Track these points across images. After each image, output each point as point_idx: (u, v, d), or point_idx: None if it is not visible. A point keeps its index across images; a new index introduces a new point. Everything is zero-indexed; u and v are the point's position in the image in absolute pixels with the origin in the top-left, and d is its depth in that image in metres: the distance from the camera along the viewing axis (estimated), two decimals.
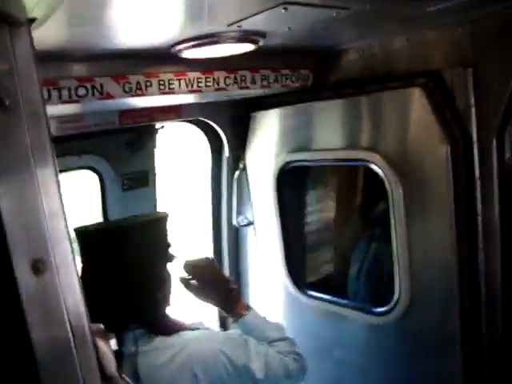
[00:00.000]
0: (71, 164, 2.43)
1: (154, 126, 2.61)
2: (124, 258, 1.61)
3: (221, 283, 1.88)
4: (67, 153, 2.34)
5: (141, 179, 2.66)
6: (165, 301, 1.71)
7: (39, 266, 0.82)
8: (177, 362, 1.56)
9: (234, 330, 1.82)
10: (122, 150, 2.56)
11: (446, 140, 1.88)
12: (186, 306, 1.77)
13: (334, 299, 2.38)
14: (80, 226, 1.72)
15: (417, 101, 1.94)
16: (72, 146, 2.34)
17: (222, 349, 1.59)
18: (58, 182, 0.84)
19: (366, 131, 2.16)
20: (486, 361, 1.96)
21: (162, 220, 1.76)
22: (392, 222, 2.05)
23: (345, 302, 2.35)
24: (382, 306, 2.17)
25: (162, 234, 1.74)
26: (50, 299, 0.83)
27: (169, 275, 1.73)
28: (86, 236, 1.69)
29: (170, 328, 1.66)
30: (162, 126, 2.63)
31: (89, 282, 1.46)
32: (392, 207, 2.04)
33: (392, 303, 2.13)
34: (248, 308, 1.85)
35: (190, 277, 1.86)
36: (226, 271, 2.97)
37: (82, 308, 0.87)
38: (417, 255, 2.02)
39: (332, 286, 2.46)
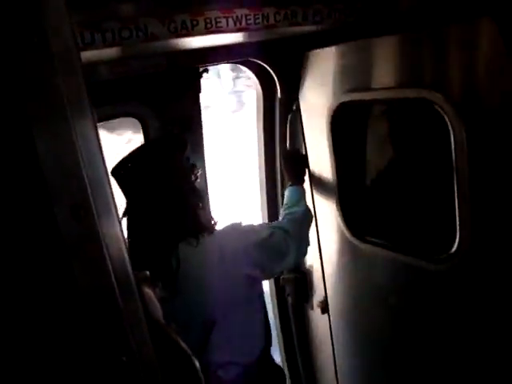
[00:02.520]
0: (114, 112, 2.42)
1: (197, 69, 2.55)
2: (151, 182, 1.93)
3: (302, 166, 2.62)
4: (109, 101, 2.32)
5: (185, 124, 2.63)
6: (199, 209, 2.03)
7: (80, 213, 0.80)
8: (207, 243, 1.95)
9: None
10: (165, 95, 2.52)
11: None
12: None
13: (392, 245, 2.31)
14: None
15: (486, 32, 1.76)
16: (114, 94, 2.32)
17: (240, 229, 2.08)
18: (95, 127, 0.81)
19: (428, 68, 2.00)
20: None
21: (167, 139, 2.12)
22: (454, 166, 1.92)
23: (404, 247, 2.27)
24: (443, 252, 2.08)
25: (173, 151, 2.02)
26: (92, 247, 0.82)
27: (196, 185, 2.05)
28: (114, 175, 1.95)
29: (206, 229, 1.99)
30: (206, 70, 2.56)
31: (134, 213, 1.95)
32: (454, 150, 1.91)
33: (453, 249, 2.03)
34: (301, 187, 2.52)
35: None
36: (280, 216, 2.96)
37: (124, 255, 0.86)
38: (479, 201, 1.90)
39: (390, 231, 2.38)
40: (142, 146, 2.08)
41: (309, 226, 2.41)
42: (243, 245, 1.99)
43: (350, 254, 2.61)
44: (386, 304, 2.46)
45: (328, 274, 2.82)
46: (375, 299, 2.55)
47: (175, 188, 1.96)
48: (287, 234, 2.14)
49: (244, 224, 2.13)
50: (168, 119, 2.60)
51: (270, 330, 2.25)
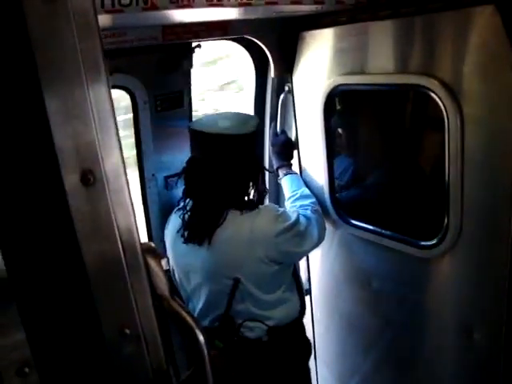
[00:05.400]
0: None
1: (190, 44, 2.49)
2: (229, 158, 2.13)
3: (290, 150, 2.67)
4: None
5: (175, 100, 2.58)
6: (250, 188, 2.24)
7: (89, 178, 0.77)
8: (245, 217, 2.15)
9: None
10: (156, 69, 2.46)
11: None
12: None
13: (379, 230, 2.32)
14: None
15: (488, 20, 1.75)
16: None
17: (273, 214, 2.20)
18: (108, 87, 0.78)
19: (425, 54, 1.99)
20: None
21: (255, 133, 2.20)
22: (446, 153, 1.93)
23: (390, 233, 2.28)
24: (428, 239, 2.10)
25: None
26: (99, 213, 0.79)
27: (261, 170, 2.29)
28: (199, 136, 2.15)
29: (250, 205, 2.20)
30: (199, 45, 2.51)
31: (197, 173, 2.17)
32: (447, 138, 1.91)
33: (439, 237, 2.05)
34: (296, 173, 2.60)
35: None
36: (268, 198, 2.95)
37: (132, 223, 0.83)
38: (470, 190, 1.91)
39: (377, 216, 2.39)
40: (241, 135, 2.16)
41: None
42: (271, 231, 2.14)
43: (334, 237, 2.61)
44: (368, 288, 2.48)
45: (311, 255, 2.83)
46: (358, 282, 2.57)
47: (244, 168, 2.18)
48: (309, 221, 2.28)
49: (278, 208, 2.28)
50: (157, 93, 2.55)
51: (303, 304, 2.42)
